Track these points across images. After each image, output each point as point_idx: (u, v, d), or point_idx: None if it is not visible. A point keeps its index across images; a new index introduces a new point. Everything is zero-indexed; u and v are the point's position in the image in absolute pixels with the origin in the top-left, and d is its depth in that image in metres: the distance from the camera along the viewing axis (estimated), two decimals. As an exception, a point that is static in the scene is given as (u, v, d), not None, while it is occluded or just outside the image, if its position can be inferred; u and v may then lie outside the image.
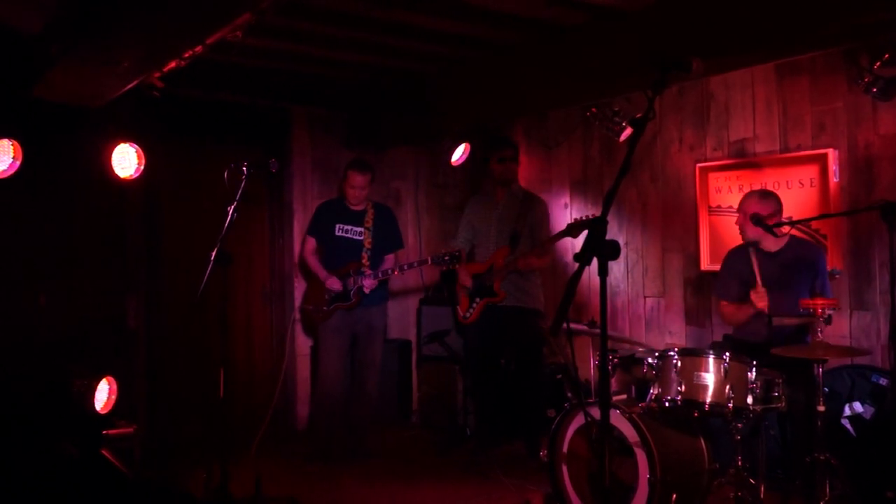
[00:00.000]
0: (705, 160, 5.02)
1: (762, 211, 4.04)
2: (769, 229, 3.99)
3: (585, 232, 4.79)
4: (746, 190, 4.52)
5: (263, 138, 5.90)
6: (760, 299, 3.94)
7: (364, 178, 5.15)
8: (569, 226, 4.69)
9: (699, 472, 3.69)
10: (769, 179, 4.61)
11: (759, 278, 3.96)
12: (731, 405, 3.46)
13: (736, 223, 4.22)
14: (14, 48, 4.42)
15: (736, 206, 4.32)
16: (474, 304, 5.12)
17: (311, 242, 5.32)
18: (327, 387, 5.16)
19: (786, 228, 4.05)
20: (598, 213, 2.28)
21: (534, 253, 4.99)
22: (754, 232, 4.07)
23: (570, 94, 4.84)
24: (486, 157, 5.31)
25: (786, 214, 4.15)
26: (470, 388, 5.46)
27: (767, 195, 4.15)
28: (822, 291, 3.93)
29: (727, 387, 3.47)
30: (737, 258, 4.26)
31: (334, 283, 5.08)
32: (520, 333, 5.07)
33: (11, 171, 4.34)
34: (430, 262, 5.17)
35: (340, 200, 5.34)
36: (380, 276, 5.10)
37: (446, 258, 5.00)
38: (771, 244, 4.11)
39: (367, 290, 5.07)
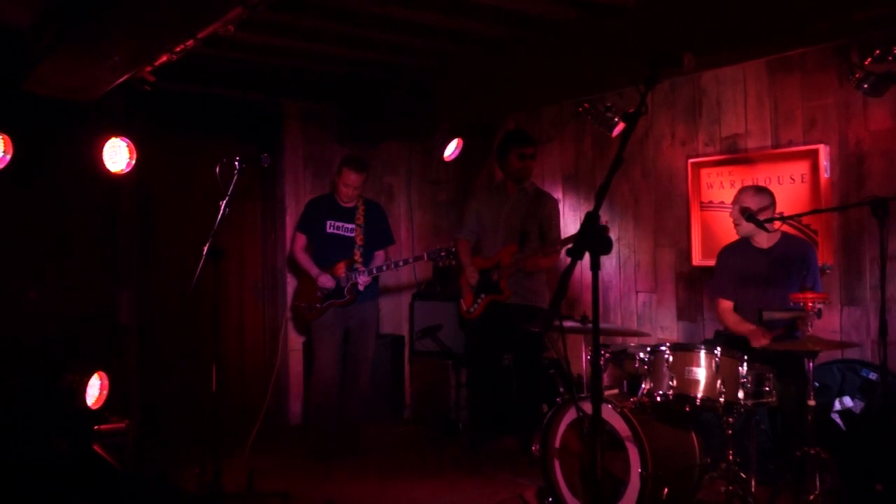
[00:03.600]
0: (697, 155, 5.03)
1: (753, 206, 4.05)
2: (760, 225, 4.00)
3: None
4: (738, 185, 4.53)
5: (256, 133, 5.88)
6: (758, 339, 3.95)
7: (360, 177, 5.11)
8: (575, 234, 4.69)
9: (690, 467, 3.70)
10: (761, 175, 4.63)
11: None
12: (722, 400, 3.47)
13: (731, 216, 4.24)
14: (3, 42, 4.40)
15: (727, 201, 4.34)
16: (479, 300, 5.08)
17: (302, 239, 5.30)
18: (322, 383, 5.15)
19: (777, 224, 4.07)
20: (590, 208, 2.28)
21: (542, 252, 4.91)
22: (747, 227, 4.09)
23: (562, 89, 4.84)
24: (505, 150, 5.11)
25: (777, 210, 4.17)
26: (468, 382, 5.44)
27: (762, 190, 4.17)
28: (813, 287, 3.95)
29: (718, 381, 3.49)
30: (732, 254, 4.28)
31: (327, 281, 5.07)
32: (523, 332, 5.05)
33: (2, 166, 4.32)
34: (426, 258, 5.16)
35: (331, 196, 5.31)
36: (374, 272, 5.09)
37: (442, 254, 4.98)
38: (763, 240, 4.14)
39: (361, 288, 5.05)
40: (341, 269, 5.08)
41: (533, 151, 5.11)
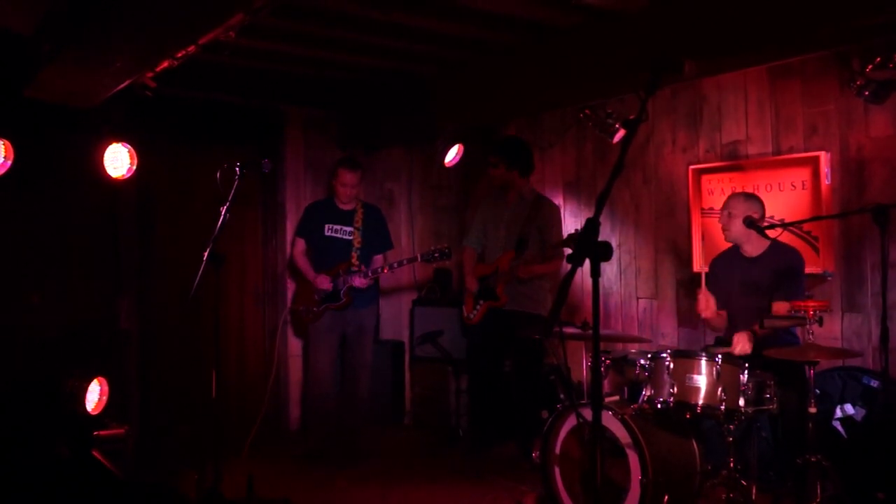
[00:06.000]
0: (698, 162, 5.03)
1: (754, 213, 4.04)
2: (761, 232, 3.99)
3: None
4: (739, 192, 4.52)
5: (257, 138, 5.88)
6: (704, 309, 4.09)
7: (354, 176, 5.15)
8: (569, 236, 4.71)
9: (691, 474, 3.69)
10: (761, 182, 4.62)
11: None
12: (723, 407, 3.47)
13: (719, 221, 4.22)
14: (6, 48, 4.41)
15: (726, 208, 4.32)
16: (478, 306, 5.12)
17: (301, 244, 5.31)
18: (319, 388, 5.16)
19: (777, 230, 4.06)
20: (591, 214, 2.28)
21: (536, 260, 4.95)
22: (736, 232, 4.08)
23: (563, 95, 4.84)
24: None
25: (778, 217, 4.16)
26: (469, 388, 5.46)
27: (751, 197, 4.16)
28: (795, 297, 3.92)
29: (719, 389, 3.48)
30: (719, 264, 4.27)
31: (323, 282, 5.08)
32: (521, 338, 5.05)
33: (3, 171, 4.33)
34: (419, 260, 5.17)
35: (329, 200, 5.33)
36: (370, 274, 5.08)
37: (436, 255, 4.99)
38: (752, 248, 4.11)
39: (358, 286, 5.05)
40: (338, 271, 5.09)
41: (495, 160, 5.14)
